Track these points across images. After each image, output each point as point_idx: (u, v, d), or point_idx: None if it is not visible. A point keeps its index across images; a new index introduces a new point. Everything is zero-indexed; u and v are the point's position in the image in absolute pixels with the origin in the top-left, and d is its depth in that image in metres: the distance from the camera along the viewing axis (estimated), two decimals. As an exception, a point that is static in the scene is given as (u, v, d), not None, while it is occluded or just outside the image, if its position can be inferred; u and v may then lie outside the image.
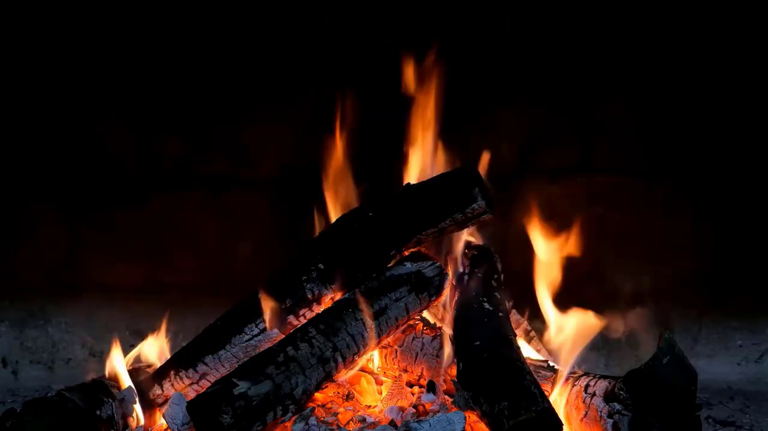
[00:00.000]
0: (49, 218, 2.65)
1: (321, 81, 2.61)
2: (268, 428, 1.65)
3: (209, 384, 1.77)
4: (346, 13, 2.57)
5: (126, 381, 1.93)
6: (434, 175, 2.04)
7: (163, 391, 1.92)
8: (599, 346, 2.72)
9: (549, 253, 2.08)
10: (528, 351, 2.03)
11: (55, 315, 2.69)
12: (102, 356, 2.65)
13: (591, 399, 1.72)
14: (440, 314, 2.07)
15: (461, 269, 2.05)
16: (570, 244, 2.07)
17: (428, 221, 1.91)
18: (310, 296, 1.92)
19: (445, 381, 1.88)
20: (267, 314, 1.89)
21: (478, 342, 1.74)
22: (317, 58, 2.62)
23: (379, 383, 1.93)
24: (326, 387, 1.81)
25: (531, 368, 1.72)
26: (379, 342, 1.88)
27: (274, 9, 2.59)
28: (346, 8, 2.57)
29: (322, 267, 1.93)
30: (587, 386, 1.76)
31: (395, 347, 1.96)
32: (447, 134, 2.16)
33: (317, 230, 2.10)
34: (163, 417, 1.78)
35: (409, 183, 2.00)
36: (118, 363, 1.97)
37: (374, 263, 1.93)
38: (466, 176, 1.91)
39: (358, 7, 2.57)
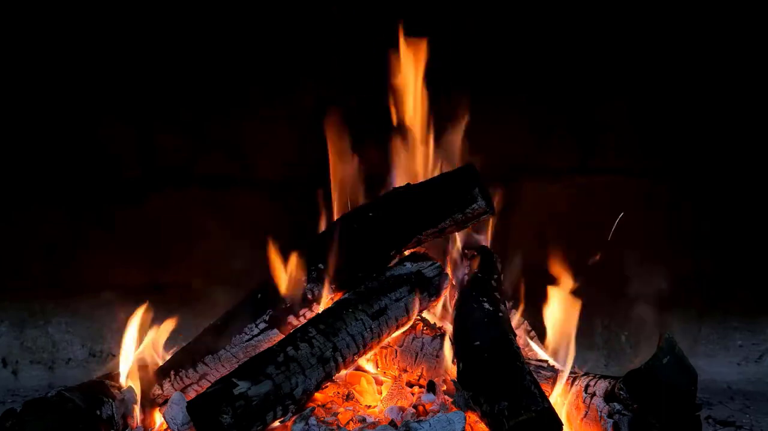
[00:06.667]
0: (50, 218, 2.64)
1: (322, 79, 2.61)
2: (268, 428, 1.65)
3: (209, 384, 1.77)
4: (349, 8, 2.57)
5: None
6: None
7: (163, 391, 1.92)
8: (599, 346, 2.72)
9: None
10: (528, 351, 2.03)
11: (55, 315, 2.68)
12: (102, 356, 2.66)
13: (591, 399, 1.72)
14: (440, 314, 2.07)
15: (461, 269, 2.05)
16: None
17: (428, 221, 1.91)
18: (310, 296, 1.92)
19: (445, 381, 1.88)
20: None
21: (478, 342, 1.74)
22: (318, 56, 2.61)
23: (379, 383, 1.93)
24: (326, 387, 1.81)
25: (531, 368, 1.72)
26: (379, 342, 1.88)
27: (274, 6, 2.58)
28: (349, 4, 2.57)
29: (322, 267, 1.93)
30: (587, 386, 1.76)
31: (395, 347, 1.96)
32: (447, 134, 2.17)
33: (322, 228, 2.10)
34: (163, 417, 1.78)
35: (409, 183, 2.00)
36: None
37: (374, 263, 1.93)
38: (466, 176, 1.91)
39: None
